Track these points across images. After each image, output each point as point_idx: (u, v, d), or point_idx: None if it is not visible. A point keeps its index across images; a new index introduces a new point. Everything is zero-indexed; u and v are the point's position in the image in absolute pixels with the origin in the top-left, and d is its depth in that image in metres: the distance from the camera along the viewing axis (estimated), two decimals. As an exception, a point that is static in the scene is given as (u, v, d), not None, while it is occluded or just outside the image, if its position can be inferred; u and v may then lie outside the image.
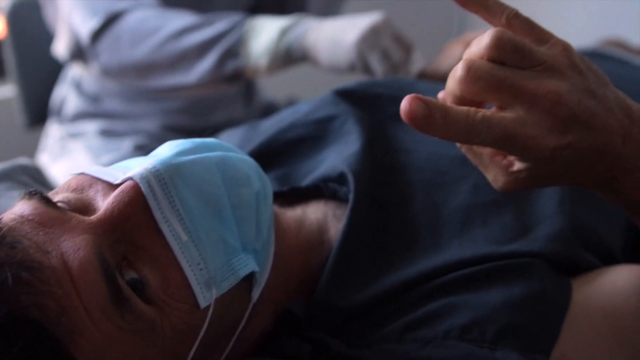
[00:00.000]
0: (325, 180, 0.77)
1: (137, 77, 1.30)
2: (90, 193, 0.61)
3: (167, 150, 0.63)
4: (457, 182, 0.76)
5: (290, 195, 0.78)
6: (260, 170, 0.67)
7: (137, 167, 0.60)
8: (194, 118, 1.50)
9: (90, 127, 1.48)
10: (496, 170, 0.58)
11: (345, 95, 0.87)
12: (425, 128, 0.52)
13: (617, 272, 0.70)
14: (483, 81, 0.53)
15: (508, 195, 0.72)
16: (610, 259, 0.76)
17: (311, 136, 0.83)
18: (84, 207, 0.60)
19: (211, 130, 0.95)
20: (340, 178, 0.76)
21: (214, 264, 0.59)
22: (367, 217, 0.73)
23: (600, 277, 0.70)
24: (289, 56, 1.17)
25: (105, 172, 0.62)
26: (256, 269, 0.62)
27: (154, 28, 1.23)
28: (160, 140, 1.46)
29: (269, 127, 0.87)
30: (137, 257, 0.58)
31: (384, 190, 0.76)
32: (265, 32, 1.18)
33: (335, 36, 1.13)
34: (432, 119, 0.52)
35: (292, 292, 0.70)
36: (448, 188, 0.75)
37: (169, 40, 1.22)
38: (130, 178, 0.59)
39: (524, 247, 0.70)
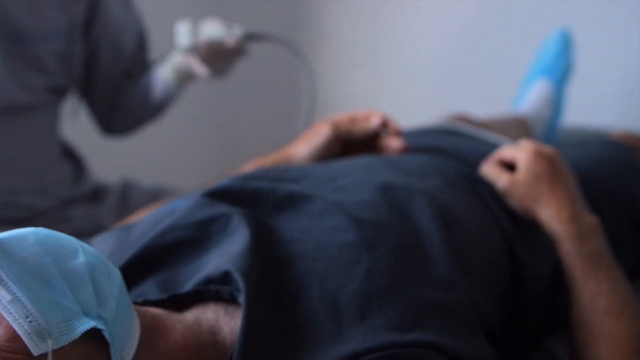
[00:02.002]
0: (208, 281, 0.75)
1: None
2: None
3: None
4: (349, 268, 0.76)
5: (173, 302, 0.75)
6: (86, 245, 0.68)
7: None
8: (18, 197, 1.43)
9: None
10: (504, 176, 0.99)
11: (219, 195, 0.86)
12: None
13: None
14: None
15: (400, 281, 0.76)
16: (491, 335, 0.80)
17: (192, 239, 0.81)
18: None
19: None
20: (224, 277, 0.74)
21: (47, 319, 0.59)
22: (263, 313, 0.71)
23: None
24: None
25: None
26: (99, 326, 0.62)
27: None
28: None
29: (146, 230, 0.84)
30: None
31: (277, 284, 0.75)
32: None
33: None
34: None
35: None
36: (342, 274, 0.76)
37: None
38: None
39: (424, 337, 0.71)
